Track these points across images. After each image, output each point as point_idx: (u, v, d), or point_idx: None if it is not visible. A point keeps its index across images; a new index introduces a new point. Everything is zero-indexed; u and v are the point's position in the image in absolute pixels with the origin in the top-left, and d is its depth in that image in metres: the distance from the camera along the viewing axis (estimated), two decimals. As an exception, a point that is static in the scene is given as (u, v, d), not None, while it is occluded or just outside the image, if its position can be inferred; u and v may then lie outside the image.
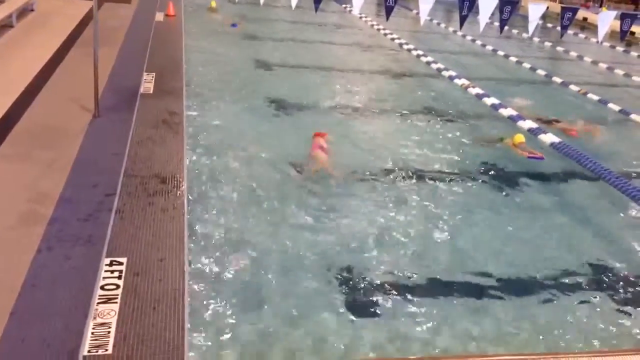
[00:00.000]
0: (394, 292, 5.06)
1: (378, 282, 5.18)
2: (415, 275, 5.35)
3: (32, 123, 6.63)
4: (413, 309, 4.88)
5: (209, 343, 4.10)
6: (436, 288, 5.24)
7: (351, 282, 5.13)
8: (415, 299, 5.00)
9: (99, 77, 7.04)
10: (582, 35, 21.72)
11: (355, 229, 6.03)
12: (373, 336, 4.48)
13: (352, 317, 4.68)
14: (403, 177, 7.41)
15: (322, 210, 6.34)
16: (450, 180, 7.54)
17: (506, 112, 10.10)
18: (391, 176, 7.40)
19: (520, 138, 8.71)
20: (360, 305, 4.85)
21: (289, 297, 4.80)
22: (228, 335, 4.21)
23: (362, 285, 5.11)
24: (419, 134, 9.12)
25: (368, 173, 7.42)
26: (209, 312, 4.42)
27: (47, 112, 7.01)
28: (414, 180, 7.36)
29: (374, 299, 4.95)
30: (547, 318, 4.99)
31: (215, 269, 4.96)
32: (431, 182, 7.41)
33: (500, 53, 16.25)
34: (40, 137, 6.26)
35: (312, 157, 7.45)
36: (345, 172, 7.31)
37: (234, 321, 4.36)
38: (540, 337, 4.72)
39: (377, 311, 4.81)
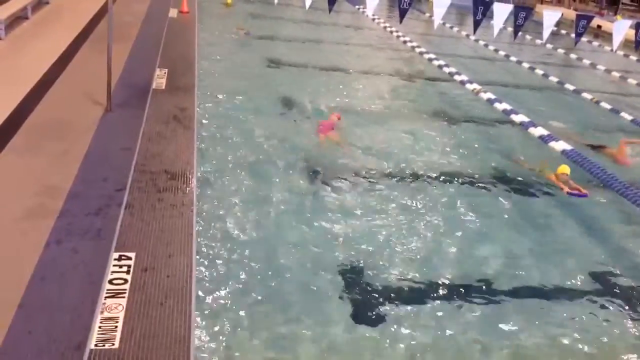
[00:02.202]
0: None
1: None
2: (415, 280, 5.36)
3: (44, 116, 6.64)
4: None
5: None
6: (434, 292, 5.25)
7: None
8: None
9: (112, 71, 7.04)
10: (595, 43, 21.62)
11: (360, 230, 6.05)
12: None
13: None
14: (410, 180, 7.42)
15: (330, 209, 6.35)
16: (458, 184, 7.53)
17: (518, 118, 10.07)
18: (398, 178, 7.41)
19: (564, 169, 7.81)
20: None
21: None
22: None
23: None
24: (429, 138, 9.10)
25: (375, 173, 7.43)
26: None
27: (59, 106, 7.02)
28: (421, 183, 7.36)
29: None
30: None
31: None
32: (439, 185, 7.40)
33: (513, 59, 16.19)
34: (51, 131, 6.27)
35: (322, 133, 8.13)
36: (353, 170, 7.42)
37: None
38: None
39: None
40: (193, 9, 14.73)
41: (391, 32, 18.00)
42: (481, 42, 17.84)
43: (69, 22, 11.18)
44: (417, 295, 5.16)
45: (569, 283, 5.70)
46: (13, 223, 4.54)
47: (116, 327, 3.59)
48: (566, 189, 7.56)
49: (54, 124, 6.48)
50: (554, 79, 14.27)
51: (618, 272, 6.05)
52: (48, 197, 4.95)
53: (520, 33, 11.46)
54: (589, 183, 7.89)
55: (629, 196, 7.36)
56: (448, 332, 4.71)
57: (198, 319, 4.20)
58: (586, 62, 17.66)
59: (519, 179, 7.97)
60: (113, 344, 3.45)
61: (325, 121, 8.70)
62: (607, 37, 20.21)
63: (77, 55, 9.17)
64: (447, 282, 5.38)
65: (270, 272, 5.11)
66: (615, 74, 16.32)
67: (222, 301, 4.62)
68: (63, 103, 7.13)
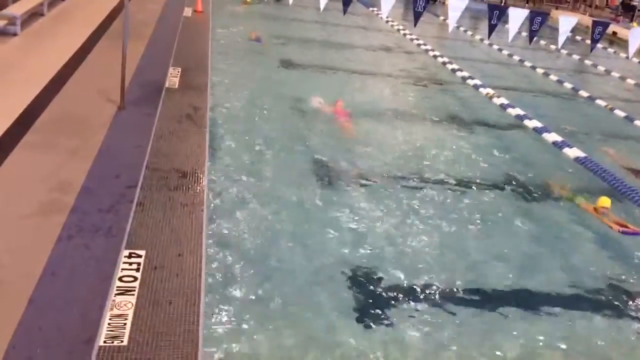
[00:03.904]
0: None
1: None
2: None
3: (58, 112, 6.68)
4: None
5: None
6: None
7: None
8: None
9: (126, 69, 7.07)
10: (610, 50, 21.43)
11: (369, 231, 6.06)
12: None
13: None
14: (420, 182, 7.40)
15: (342, 211, 6.35)
16: (468, 187, 7.49)
17: (531, 123, 10.01)
18: (407, 180, 7.41)
19: (605, 202, 7.00)
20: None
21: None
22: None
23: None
24: (440, 141, 9.07)
25: (385, 175, 7.42)
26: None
27: (73, 102, 7.06)
28: (430, 186, 7.34)
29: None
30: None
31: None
32: (448, 188, 7.37)
33: (527, 64, 16.09)
34: (65, 127, 6.31)
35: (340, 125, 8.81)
36: (364, 171, 7.47)
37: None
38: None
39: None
40: (207, 8, 14.79)
41: (405, 35, 17.95)
42: (495, 47, 17.74)
43: (84, 19, 11.25)
44: (416, 297, 5.13)
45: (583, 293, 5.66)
46: (26, 217, 4.57)
47: (125, 324, 3.60)
48: (617, 228, 6.70)
49: (68, 120, 6.52)
50: (568, 85, 14.17)
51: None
52: (61, 192, 4.98)
53: (535, 38, 11.39)
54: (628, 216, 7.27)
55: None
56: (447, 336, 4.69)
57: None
58: (601, 68, 17.52)
59: (529, 185, 7.90)
60: (122, 341, 3.47)
61: (339, 109, 9.29)
62: (623, 44, 20.06)
63: (92, 53, 9.24)
64: (447, 286, 5.35)
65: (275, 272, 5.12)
66: (630, 81, 16.18)
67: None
68: (77, 100, 7.18)
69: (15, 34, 9.28)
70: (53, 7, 11.45)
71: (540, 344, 4.77)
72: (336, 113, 9.27)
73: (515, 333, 4.86)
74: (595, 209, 7.07)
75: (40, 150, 5.71)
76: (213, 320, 4.27)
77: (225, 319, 4.36)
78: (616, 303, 5.56)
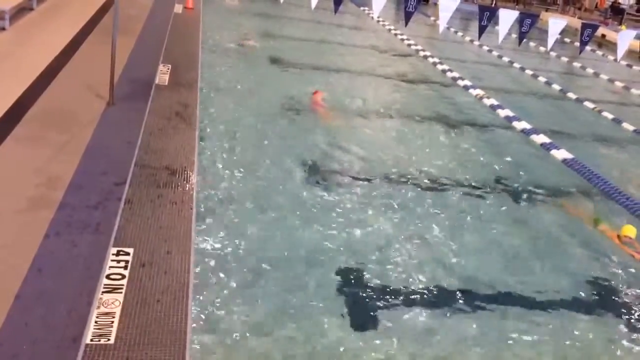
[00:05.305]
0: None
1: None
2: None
3: (47, 107, 6.63)
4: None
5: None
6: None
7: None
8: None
9: (115, 65, 7.03)
10: (599, 52, 21.60)
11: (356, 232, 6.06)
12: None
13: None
14: (408, 184, 7.40)
15: (328, 212, 6.35)
16: (457, 189, 7.51)
17: (520, 125, 10.08)
18: (395, 181, 7.41)
19: (629, 230, 6.64)
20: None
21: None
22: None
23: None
24: (429, 141, 9.10)
25: (374, 176, 7.43)
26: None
27: (61, 97, 7.01)
28: (419, 187, 7.35)
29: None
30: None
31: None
32: (436, 189, 7.39)
33: (517, 65, 16.18)
34: (54, 122, 6.26)
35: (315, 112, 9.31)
36: (353, 172, 7.45)
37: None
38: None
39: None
40: (198, 5, 14.74)
41: (396, 35, 17.99)
42: (485, 48, 17.83)
43: (74, 14, 11.17)
44: (402, 300, 5.14)
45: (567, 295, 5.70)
46: (13, 213, 4.53)
47: (112, 322, 3.59)
48: (639, 257, 6.36)
49: (57, 115, 6.47)
50: (556, 87, 14.27)
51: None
52: (49, 188, 4.94)
53: (524, 40, 11.46)
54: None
55: (629, 206, 7.38)
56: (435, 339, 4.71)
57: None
58: (589, 71, 17.66)
59: (517, 186, 7.94)
60: (109, 339, 3.45)
61: (316, 99, 9.77)
62: (611, 46, 20.23)
63: (81, 48, 9.17)
64: (436, 289, 5.36)
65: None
66: (619, 84, 16.32)
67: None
68: (66, 95, 7.13)
69: (3, 29, 9.19)
70: (42, 1, 11.34)
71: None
72: (313, 103, 9.67)
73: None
74: (619, 237, 6.66)
75: (29, 145, 5.66)
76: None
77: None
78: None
